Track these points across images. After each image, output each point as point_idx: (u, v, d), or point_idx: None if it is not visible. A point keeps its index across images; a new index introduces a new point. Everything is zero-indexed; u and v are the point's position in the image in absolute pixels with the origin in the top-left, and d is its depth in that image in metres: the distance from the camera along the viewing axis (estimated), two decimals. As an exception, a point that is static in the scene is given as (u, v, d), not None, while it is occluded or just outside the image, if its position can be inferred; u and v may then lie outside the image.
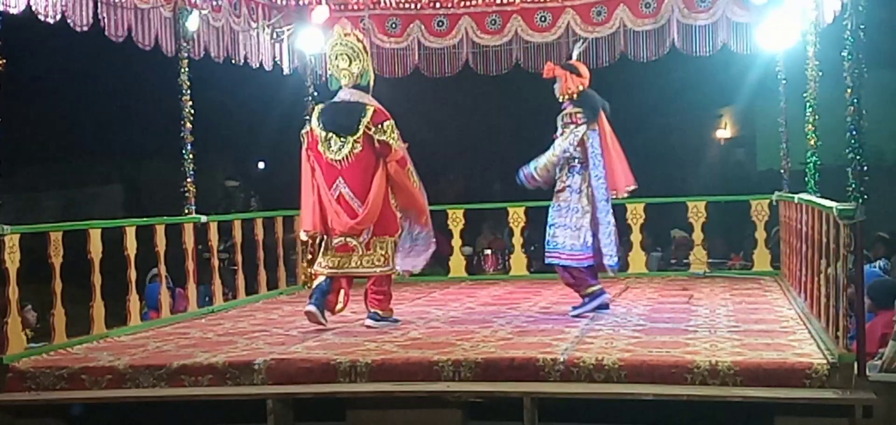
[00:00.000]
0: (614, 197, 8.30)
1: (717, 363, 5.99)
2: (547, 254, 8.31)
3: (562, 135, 8.03)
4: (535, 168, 8.08)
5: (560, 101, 8.16)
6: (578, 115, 7.99)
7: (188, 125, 9.32)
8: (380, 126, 7.64)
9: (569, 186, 8.06)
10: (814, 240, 7.15)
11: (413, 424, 6.28)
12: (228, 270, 10.52)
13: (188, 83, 9.30)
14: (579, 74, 8.14)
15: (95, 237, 7.99)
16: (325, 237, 7.91)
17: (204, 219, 9.40)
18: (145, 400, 6.57)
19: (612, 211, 8.18)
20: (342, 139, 7.65)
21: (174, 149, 9.45)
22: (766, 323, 7.45)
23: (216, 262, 9.66)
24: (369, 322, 7.84)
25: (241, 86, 14.28)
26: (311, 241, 8.38)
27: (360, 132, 7.61)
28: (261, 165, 22.98)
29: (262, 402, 6.27)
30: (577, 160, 8.03)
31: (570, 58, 8.54)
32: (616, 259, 8.21)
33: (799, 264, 8.21)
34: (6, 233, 6.99)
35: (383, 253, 7.81)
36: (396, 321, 7.97)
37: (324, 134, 7.72)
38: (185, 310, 9.25)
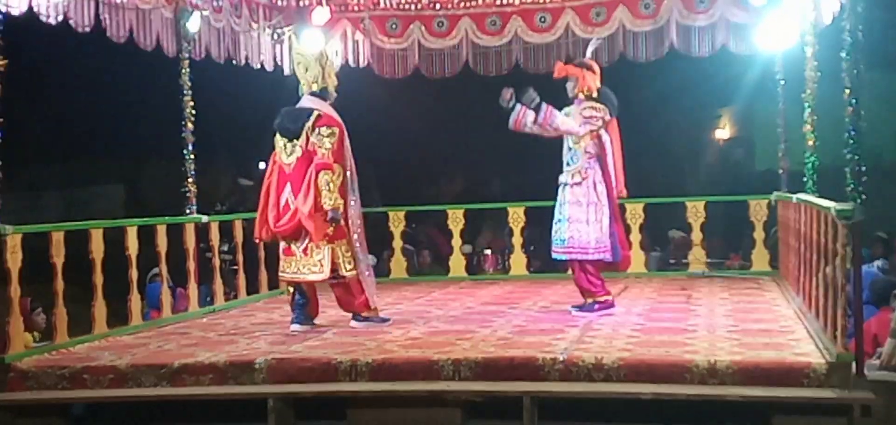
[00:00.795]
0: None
1: (716, 362, 6.02)
2: (558, 249, 8.29)
3: (581, 115, 8.05)
4: (555, 123, 7.99)
5: (571, 97, 8.24)
6: (599, 110, 8.10)
7: (189, 125, 9.34)
8: (318, 130, 7.65)
9: (587, 181, 8.09)
10: (812, 240, 7.17)
11: (413, 423, 6.30)
12: (230, 270, 10.53)
13: (189, 84, 9.33)
14: (595, 72, 8.26)
15: (97, 237, 8.01)
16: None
17: (205, 219, 9.43)
18: (147, 400, 6.59)
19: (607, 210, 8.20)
20: (292, 144, 7.73)
21: (175, 149, 9.47)
22: (765, 322, 7.47)
23: (217, 262, 9.68)
24: (353, 323, 7.92)
25: (241, 86, 14.29)
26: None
27: (302, 137, 7.67)
28: (261, 166, 22.97)
29: (263, 401, 6.30)
30: (591, 155, 8.09)
31: (585, 56, 8.68)
32: (615, 254, 8.20)
33: (797, 264, 8.24)
34: (8, 233, 7.01)
35: (320, 258, 7.71)
36: (385, 319, 7.99)
37: (281, 140, 7.82)
38: (187, 309, 9.27)
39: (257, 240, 8.18)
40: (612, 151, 8.17)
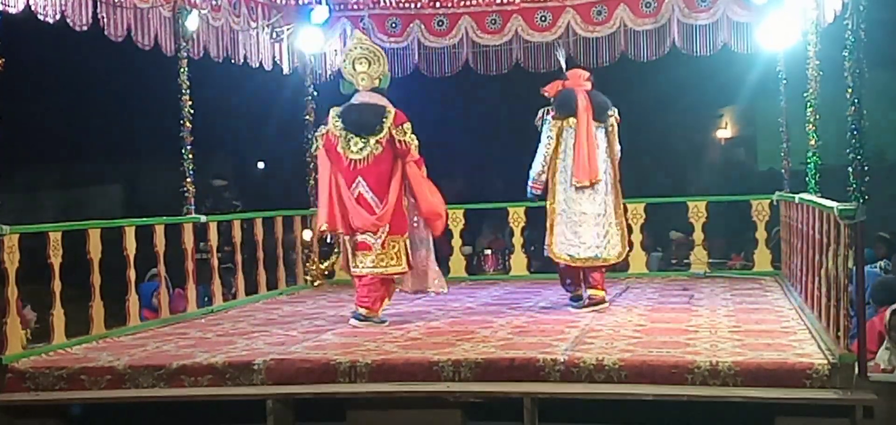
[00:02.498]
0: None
1: (718, 363, 5.99)
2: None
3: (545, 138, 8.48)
4: (534, 172, 8.54)
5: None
6: (549, 112, 8.50)
7: (188, 125, 9.30)
8: (401, 127, 7.87)
9: (553, 188, 8.54)
10: (814, 241, 7.14)
11: (413, 424, 6.28)
12: (227, 270, 10.49)
13: (188, 83, 9.29)
14: (563, 82, 8.60)
15: (95, 237, 7.98)
16: (346, 238, 8.02)
17: (203, 219, 9.39)
18: (145, 401, 6.56)
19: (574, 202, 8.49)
20: (363, 139, 7.83)
21: (173, 149, 9.44)
22: (767, 323, 7.44)
23: (216, 262, 9.64)
24: (353, 321, 7.93)
25: (240, 85, 14.25)
26: (320, 240, 8.39)
27: (384, 133, 7.81)
28: (260, 165, 22.96)
29: (261, 402, 6.27)
30: (558, 161, 8.48)
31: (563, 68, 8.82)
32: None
33: (800, 264, 8.21)
34: (5, 234, 6.98)
35: (396, 251, 7.91)
36: (382, 321, 7.95)
37: (344, 134, 7.88)
38: (184, 310, 9.23)
39: (332, 231, 8.14)
40: (574, 146, 8.39)
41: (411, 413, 6.25)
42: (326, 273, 9.85)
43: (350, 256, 8.01)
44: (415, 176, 7.94)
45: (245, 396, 6.40)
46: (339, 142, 7.90)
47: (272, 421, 6.22)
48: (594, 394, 6.06)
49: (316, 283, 8.21)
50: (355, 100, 8.04)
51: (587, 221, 8.44)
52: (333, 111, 8.05)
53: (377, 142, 7.82)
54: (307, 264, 8.77)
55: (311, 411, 6.41)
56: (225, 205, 12.35)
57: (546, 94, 8.61)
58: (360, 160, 7.84)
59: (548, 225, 8.56)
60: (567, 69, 8.73)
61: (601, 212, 8.46)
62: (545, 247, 8.65)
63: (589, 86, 8.58)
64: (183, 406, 6.52)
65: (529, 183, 8.57)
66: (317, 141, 8.17)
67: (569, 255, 8.49)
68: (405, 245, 7.95)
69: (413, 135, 7.91)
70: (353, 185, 7.87)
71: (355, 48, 8.16)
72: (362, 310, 7.94)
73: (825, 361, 5.92)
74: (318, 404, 6.40)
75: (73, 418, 6.72)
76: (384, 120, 7.84)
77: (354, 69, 8.07)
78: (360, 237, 7.92)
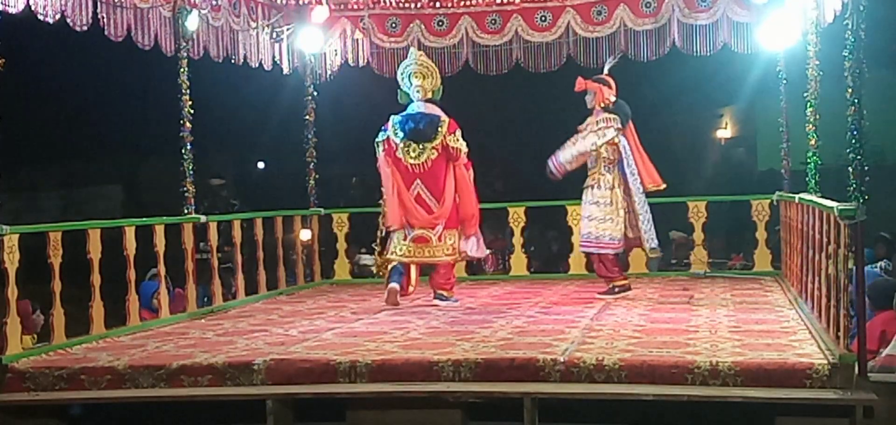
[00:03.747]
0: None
1: (718, 363, 5.99)
2: (581, 243, 9.48)
3: (592, 132, 9.05)
4: (566, 159, 9.13)
5: (590, 108, 9.20)
6: (612, 120, 9.03)
7: (187, 125, 9.29)
8: (454, 134, 8.84)
9: (603, 183, 9.09)
10: (814, 241, 7.14)
11: (413, 424, 6.27)
12: (227, 270, 10.50)
13: (187, 83, 9.28)
14: (611, 86, 9.18)
15: (95, 237, 7.97)
16: (400, 230, 8.94)
17: (203, 219, 9.39)
18: (145, 401, 6.56)
19: (646, 202, 9.16)
20: (420, 146, 8.78)
21: (173, 148, 9.44)
22: (767, 323, 7.44)
23: (215, 262, 9.65)
24: (437, 301, 8.97)
25: (240, 86, 14.27)
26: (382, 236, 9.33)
27: (439, 140, 8.75)
28: (260, 165, 22.99)
29: (261, 403, 6.26)
30: (608, 160, 9.07)
31: (603, 72, 9.37)
32: (656, 241, 9.29)
33: (800, 264, 8.21)
34: (5, 233, 6.98)
35: (452, 243, 8.97)
36: (457, 301, 9.03)
37: (403, 142, 8.79)
38: (184, 310, 9.23)
39: (397, 228, 8.94)
40: (632, 154, 9.09)
41: (411, 413, 6.25)
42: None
43: (407, 246, 8.90)
44: (462, 178, 8.92)
45: (245, 396, 6.39)
46: (399, 148, 8.81)
47: (272, 421, 6.22)
48: (594, 394, 6.06)
49: (380, 274, 9.34)
50: (412, 110, 8.92)
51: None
52: (393, 119, 8.91)
53: (433, 148, 8.78)
54: (375, 256, 9.30)
55: (311, 411, 6.40)
56: (223, 204, 12.38)
57: (585, 90, 9.17)
58: (417, 164, 8.81)
59: (644, 223, 9.12)
60: (605, 74, 9.32)
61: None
62: (616, 245, 9.17)
63: None
64: (183, 406, 6.52)
65: (554, 164, 9.18)
66: (378, 147, 8.99)
67: (653, 249, 9.36)
68: (457, 236, 8.97)
69: (463, 142, 8.87)
70: (412, 187, 8.85)
71: (412, 63, 9.03)
72: (444, 292, 9.02)
73: (825, 361, 5.92)
74: (318, 404, 6.39)
75: (73, 418, 6.72)
76: (440, 129, 8.78)
77: (411, 82, 8.98)
78: (418, 232, 8.87)
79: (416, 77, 8.95)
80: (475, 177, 9.19)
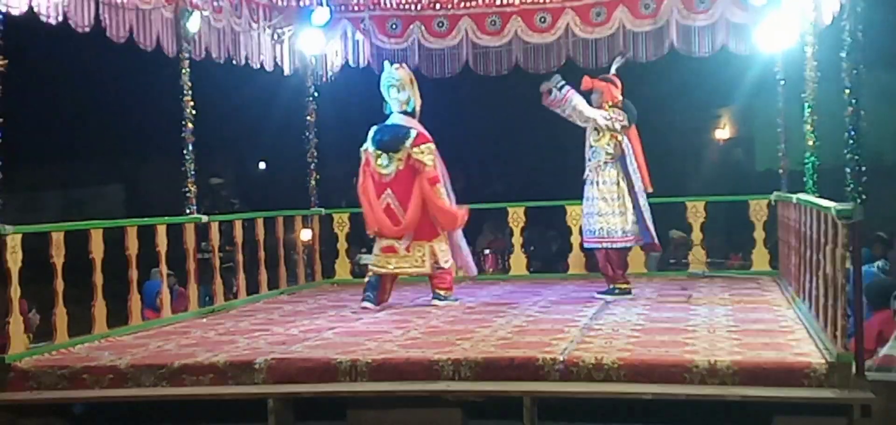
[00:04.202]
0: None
1: (716, 362, 6.01)
2: (589, 240, 9.40)
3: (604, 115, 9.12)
4: (572, 102, 9.03)
5: (596, 107, 9.21)
6: (622, 115, 9.16)
7: (189, 125, 9.32)
8: (419, 147, 8.86)
9: (608, 178, 9.16)
10: (812, 240, 7.17)
11: (413, 424, 6.30)
12: (228, 270, 10.53)
13: (189, 84, 9.31)
14: (617, 86, 9.32)
15: (97, 237, 8.01)
16: (376, 239, 9.09)
17: (205, 219, 9.42)
18: (146, 400, 6.59)
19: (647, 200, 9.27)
20: (389, 156, 8.87)
21: (175, 149, 9.47)
22: (765, 322, 7.47)
23: (217, 262, 9.68)
24: (435, 301, 8.99)
25: (242, 86, 14.29)
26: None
27: (404, 152, 8.83)
28: (262, 165, 23.01)
29: (262, 402, 6.29)
30: (610, 156, 9.13)
31: (609, 71, 9.49)
32: (655, 238, 9.39)
33: (797, 264, 8.24)
34: (8, 233, 7.01)
35: (421, 255, 8.96)
36: (457, 300, 9.08)
37: (376, 152, 8.92)
38: (186, 309, 9.27)
39: (372, 234, 9.19)
40: (634, 154, 9.20)
41: (411, 412, 6.28)
42: None
43: (376, 256, 9.03)
44: (426, 192, 8.86)
45: (246, 395, 6.42)
46: (372, 158, 8.93)
47: (273, 420, 6.25)
48: (593, 394, 6.09)
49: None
50: (389, 121, 9.06)
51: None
52: (372, 130, 9.04)
53: (399, 159, 8.86)
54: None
55: (311, 410, 6.43)
56: (222, 204, 12.40)
57: (593, 88, 9.26)
58: (386, 175, 8.90)
59: (647, 218, 9.21)
60: (611, 74, 9.43)
61: None
62: (653, 239, 9.34)
63: None
64: (184, 405, 6.55)
65: (564, 97, 9.04)
66: (362, 155, 9.09)
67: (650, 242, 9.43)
68: (432, 249, 8.98)
69: (430, 155, 8.88)
70: (383, 196, 8.93)
71: (388, 77, 9.12)
72: (440, 291, 9.05)
73: (823, 360, 5.95)
74: (318, 403, 6.42)
75: (76, 417, 6.76)
76: (406, 140, 8.84)
77: (389, 95, 9.09)
78: (386, 241, 8.95)
79: (393, 89, 9.08)
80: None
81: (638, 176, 9.20)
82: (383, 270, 8.98)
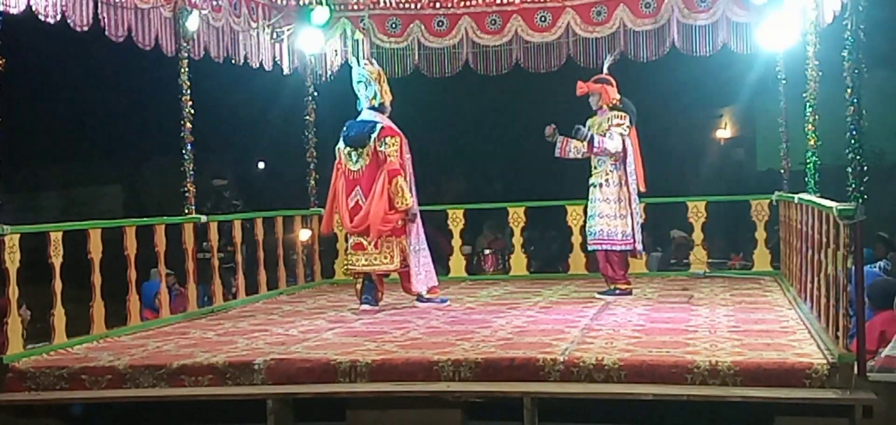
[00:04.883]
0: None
1: (717, 363, 6.00)
2: (591, 242, 9.45)
3: (608, 135, 9.11)
4: (603, 146, 9.09)
5: (595, 110, 9.32)
6: (624, 117, 9.19)
7: (188, 125, 9.30)
8: (383, 139, 8.74)
9: (612, 181, 9.22)
10: (814, 240, 7.15)
11: (413, 424, 6.28)
12: (227, 270, 10.51)
13: (188, 83, 9.30)
14: (612, 84, 9.31)
15: (95, 237, 7.99)
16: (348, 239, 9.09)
17: (204, 219, 9.40)
18: (145, 400, 6.58)
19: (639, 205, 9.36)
20: (358, 152, 8.81)
21: (174, 149, 9.45)
22: (766, 323, 7.45)
23: (216, 262, 9.66)
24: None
25: (241, 86, 14.26)
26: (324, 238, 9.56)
27: (370, 146, 8.74)
28: (261, 165, 22.98)
29: (262, 402, 6.28)
30: (616, 157, 9.18)
31: (602, 71, 9.47)
32: (642, 245, 9.44)
33: (799, 264, 8.22)
34: (6, 233, 7.00)
35: (389, 251, 8.82)
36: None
37: (346, 149, 8.88)
38: (185, 309, 9.25)
39: (325, 233, 9.54)
40: (633, 154, 9.23)
41: (411, 413, 6.26)
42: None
43: (349, 255, 8.99)
44: (386, 181, 8.70)
45: (245, 396, 6.41)
46: (343, 156, 8.91)
47: (272, 420, 6.24)
48: (594, 394, 6.07)
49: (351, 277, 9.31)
50: (358, 118, 8.96)
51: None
52: (344, 127, 8.96)
53: (366, 154, 8.77)
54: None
55: (311, 411, 6.42)
56: (225, 205, 12.38)
57: (591, 91, 9.29)
58: (355, 171, 8.83)
59: (636, 225, 9.24)
60: (605, 73, 9.42)
61: None
62: (635, 245, 9.30)
63: None
64: (183, 405, 6.53)
65: (596, 148, 9.13)
66: (337, 154, 9.05)
67: (640, 251, 9.47)
68: (401, 245, 8.86)
69: (395, 148, 8.74)
70: (352, 194, 8.84)
71: (357, 74, 9.08)
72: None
73: (824, 361, 5.93)
74: (318, 404, 6.40)
75: (74, 418, 6.73)
76: (372, 134, 8.75)
77: (359, 92, 9.04)
78: (354, 239, 8.88)
79: (360, 85, 9.03)
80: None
81: (634, 179, 9.24)
82: (355, 269, 8.91)
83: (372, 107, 8.94)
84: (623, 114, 9.21)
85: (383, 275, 9.02)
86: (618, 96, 9.28)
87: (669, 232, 13.38)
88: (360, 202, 8.77)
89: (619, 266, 9.33)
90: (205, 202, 12.42)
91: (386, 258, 8.84)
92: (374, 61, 9.60)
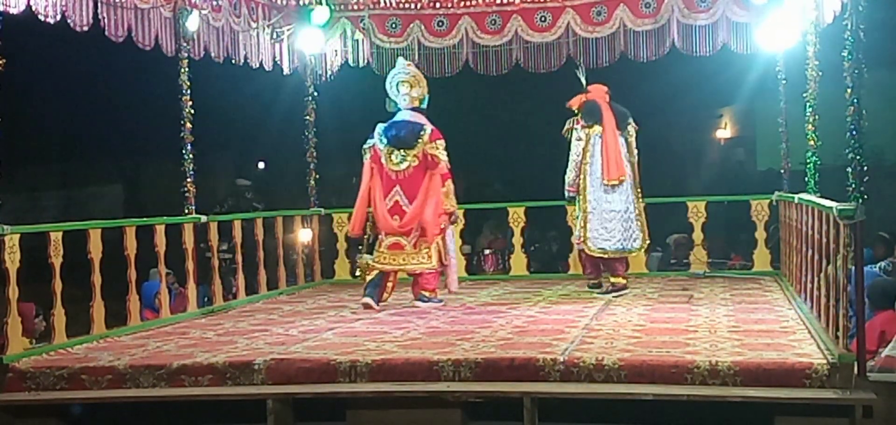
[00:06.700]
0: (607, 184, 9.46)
1: (717, 363, 6.00)
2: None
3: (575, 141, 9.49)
4: (570, 179, 9.54)
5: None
6: (575, 123, 9.53)
7: (188, 125, 9.30)
8: (434, 143, 8.90)
9: (575, 182, 9.46)
10: (814, 241, 7.15)
11: (413, 424, 6.28)
12: (228, 270, 10.51)
13: (188, 83, 9.29)
14: (590, 93, 9.58)
15: (95, 237, 7.99)
16: (377, 237, 9.07)
17: (204, 219, 9.40)
18: (145, 400, 6.57)
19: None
20: (402, 153, 8.87)
21: (174, 149, 9.45)
22: (766, 323, 7.45)
23: (216, 262, 9.66)
24: (418, 303, 8.93)
25: (241, 86, 14.26)
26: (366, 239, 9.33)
27: (419, 148, 8.84)
28: (261, 165, 22.97)
29: (262, 402, 6.28)
30: (577, 164, 9.48)
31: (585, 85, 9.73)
32: (600, 244, 9.46)
33: (799, 264, 8.22)
34: (6, 233, 7.00)
35: (428, 252, 8.92)
36: (440, 301, 8.97)
37: (387, 148, 8.89)
38: (185, 309, 9.25)
39: (353, 234, 9.43)
40: (602, 146, 9.39)
41: (411, 413, 6.26)
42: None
43: (381, 253, 8.96)
44: (434, 186, 8.90)
45: (245, 396, 6.41)
46: (383, 154, 8.91)
47: (272, 420, 6.23)
48: (594, 394, 6.07)
49: (358, 276, 9.41)
50: (398, 117, 9.02)
51: (615, 218, 9.43)
52: (379, 127, 9.00)
53: (414, 155, 8.85)
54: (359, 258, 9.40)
55: (311, 411, 6.42)
56: (246, 206, 12.43)
57: (571, 107, 9.58)
58: (399, 171, 8.88)
59: (581, 223, 9.46)
60: (587, 84, 9.62)
61: (625, 209, 9.44)
62: (578, 241, 9.61)
63: (608, 98, 9.56)
64: (183, 405, 6.53)
65: (566, 187, 9.58)
66: (365, 153, 9.09)
67: (601, 249, 9.43)
68: (439, 247, 8.98)
69: (444, 152, 8.94)
70: (391, 193, 8.91)
71: (400, 72, 9.14)
72: (425, 293, 8.96)
73: (824, 361, 5.93)
74: (318, 404, 6.40)
75: (74, 418, 6.73)
76: (421, 136, 8.85)
77: (399, 90, 9.08)
78: (393, 239, 8.91)
79: (404, 85, 9.06)
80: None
81: (597, 175, 9.37)
82: (389, 267, 8.93)
83: (414, 108, 9.03)
84: (575, 118, 9.51)
85: (395, 277, 9.08)
86: (577, 103, 9.54)
87: (666, 239, 13.33)
88: (400, 202, 8.84)
89: (586, 263, 9.67)
90: (225, 200, 12.46)
91: (423, 258, 8.93)
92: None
